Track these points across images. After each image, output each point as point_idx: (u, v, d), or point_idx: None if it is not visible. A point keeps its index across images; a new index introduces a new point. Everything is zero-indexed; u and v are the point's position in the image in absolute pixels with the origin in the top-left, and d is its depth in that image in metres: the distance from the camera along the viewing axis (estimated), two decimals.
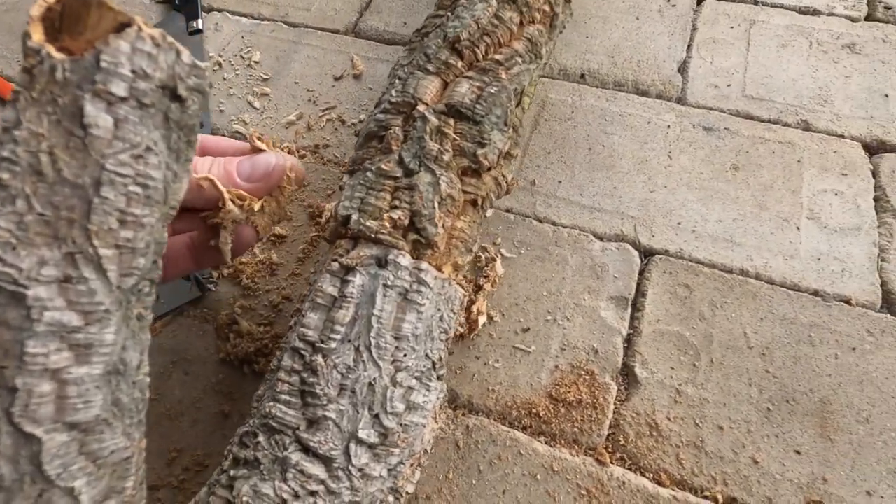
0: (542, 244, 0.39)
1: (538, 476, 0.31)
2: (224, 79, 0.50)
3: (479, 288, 0.37)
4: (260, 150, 0.27)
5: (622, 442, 0.32)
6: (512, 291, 0.37)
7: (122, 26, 0.15)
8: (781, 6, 0.51)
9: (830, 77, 0.46)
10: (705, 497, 0.30)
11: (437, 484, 0.31)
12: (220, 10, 0.55)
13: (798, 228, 0.39)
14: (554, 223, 0.40)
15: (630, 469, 0.31)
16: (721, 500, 0.30)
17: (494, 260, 0.38)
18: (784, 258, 0.38)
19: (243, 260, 0.40)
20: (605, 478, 0.31)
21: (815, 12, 0.51)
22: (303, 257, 0.40)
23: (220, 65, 0.51)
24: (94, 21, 0.15)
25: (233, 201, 0.25)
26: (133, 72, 0.14)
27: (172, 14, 0.54)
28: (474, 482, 0.31)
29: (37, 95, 0.14)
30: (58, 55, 0.14)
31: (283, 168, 0.26)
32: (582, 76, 0.48)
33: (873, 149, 0.43)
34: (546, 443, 0.32)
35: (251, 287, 0.38)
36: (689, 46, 0.49)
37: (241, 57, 0.52)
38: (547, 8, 0.33)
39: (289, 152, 0.45)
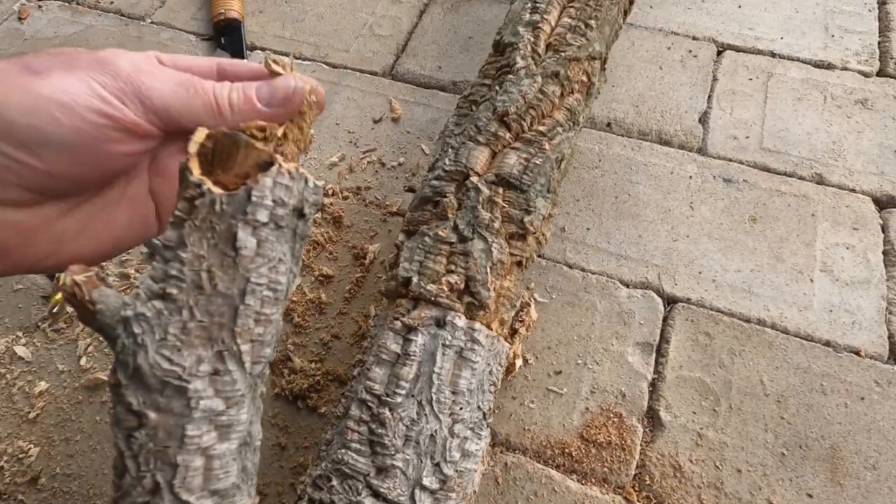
0: (573, 290, 0.42)
1: None
2: None
3: (514, 332, 0.40)
4: (278, 74, 0.23)
5: (648, 482, 0.35)
6: (545, 335, 0.40)
7: (266, 164, 0.18)
8: (798, 59, 0.54)
9: (843, 132, 0.49)
10: None
11: None
12: (262, 49, 0.58)
13: (811, 280, 0.42)
14: (583, 269, 0.43)
15: None
16: None
17: (529, 305, 0.41)
18: (798, 309, 0.41)
19: (294, 299, 0.42)
20: None
21: (830, 66, 0.53)
22: (349, 297, 0.43)
23: None
24: (241, 157, 0.18)
25: (254, 134, 0.22)
26: (274, 201, 0.17)
27: (217, 52, 0.57)
28: None
29: (199, 223, 0.17)
30: (217, 190, 0.17)
31: (304, 91, 0.23)
32: (608, 125, 0.51)
33: (883, 203, 0.45)
34: (578, 481, 0.35)
35: (301, 325, 0.41)
36: (709, 97, 0.52)
37: None
38: (585, 79, 0.36)
39: (332, 194, 0.48)
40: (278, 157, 0.18)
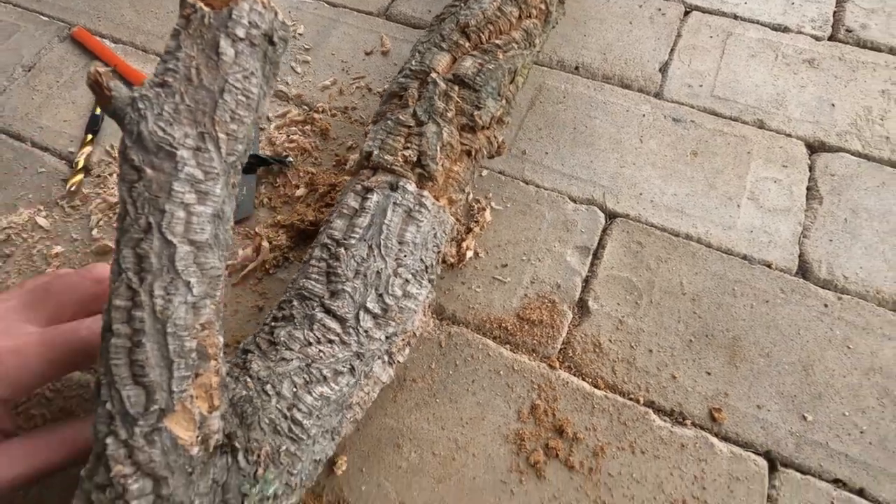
0: (526, 201, 0.48)
1: (501, 372, 0.40)
2: None
3: (469, 230, 0.45)
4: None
5: (570, 355, 0.40)
6: (496, 235, 0.46)
7: None
8: (758, 22, 0.59)
9: (788, 86, 0.54)
10: (630, 399, 0.39)
11: (422, 371, 0.40)
12: None
13: (738, 206, 0.47)
14: (537, 185, 0.49)
15: (574, 375, 0.40)
16: (642, 402, 0.38)
17: (484, 209, 0.46)
18: (723, 228, 0.46)
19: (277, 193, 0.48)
20: (553, 378, 0.39)
21: (786, 29, 0.58)
22: (330, 202, 0.48)
23: None
24: None
25: None
26: (249, 23, 0.23)
27: None
28: (451, 372, 0.40)
29: (192, 32, 0.22)
30: (206, 8, 0.22)
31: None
32: (576, 68, 0.56)
33: (814, 148, 0.50)
34: (510, 350, 0.41)
35: (279, 210, 0.47)
36: (671, 50, 0.57)
37: None
38: (542, 6, 0.41)
39: (322, 111, 0.54)
40: None
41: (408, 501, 0.35)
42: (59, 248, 0.46)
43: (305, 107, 0.54)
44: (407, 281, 0.34)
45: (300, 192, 0.48)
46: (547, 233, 0.46)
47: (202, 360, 0.24)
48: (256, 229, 0.45)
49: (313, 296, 0.32)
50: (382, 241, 0.33)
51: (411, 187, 0.34)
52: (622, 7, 0.61)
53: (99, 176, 0.50)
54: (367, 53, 0.58)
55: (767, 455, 0.36)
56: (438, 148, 0.35)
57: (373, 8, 0.62)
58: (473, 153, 0.38)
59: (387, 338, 0.33)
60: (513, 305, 0.43)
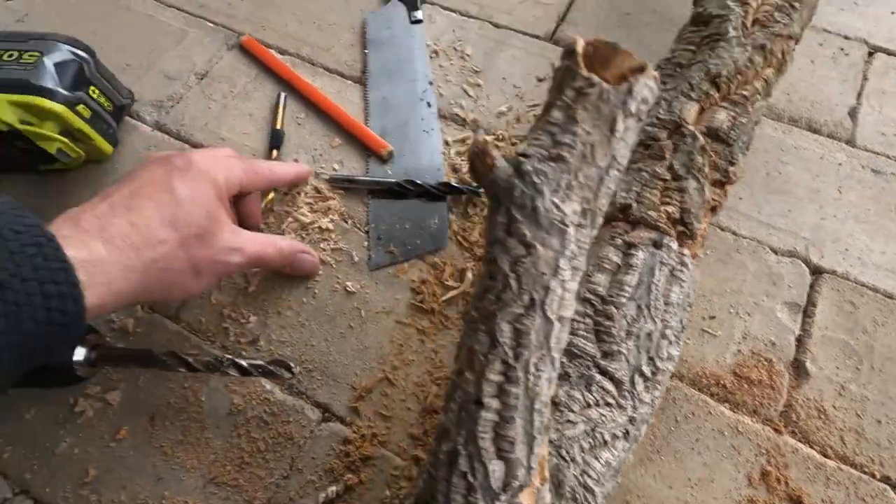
0: (725, 249, 0.46)
1: (725, 433, 0.39)
2: (441, 66, 0.58)
3: None
4: None
5: (794, 419, 0.39)
6: (700, 285, 0.45)
7: (639, 68, 0.22)
8: None
9: None
10: (864, 472, 0.37)
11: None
12: (432, 4, 0.63)
13: None
14: (734, 233, 0.47)
15: (801, 441, 0.38)
16: (878, 477, 0.37)
17: None
18: None
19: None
20: (780, 444, 0.38)
21: None
22: None
23: (436, 53, 0.59)
24: (619, 61, 0.22)
25: None
26: (642, 99, 0.22)
27: (394, 3, 0.62)
28: (672, 429, 0.39)
29: (589, 107, 0.21)
30: (606, 85, 0.21)
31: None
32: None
33: None
34: (730, 409, 0.40)
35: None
36: (859, 94, 0.55)
37: (454, 49, 0.59)
38: (780, 56, 0.40)
39: (502, 139, 0.53)
40: (648, 63, 0.22)
41: None
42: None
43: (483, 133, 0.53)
44: (670, 343, 0.33)
45: None
46: (752, 285, 0.45)
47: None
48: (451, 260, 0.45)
49: (585, 354, 0.31)
50: (652, 302, 0.32)
51: (675, 245, 0.34)
52: (801, 45, 0.58)
53: (287, 194, 0.50)
54: (539, 80, 0.57)
55: None
56: (701, 205, 0.34)
57: (539, 31, 0.61)
58: (716, 209, 0.37)
59: (652, 401, 0.32)
60: (727, 361, 0.41)
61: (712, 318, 0.43)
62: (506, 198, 0.22)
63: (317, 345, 0.43)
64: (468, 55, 0.59)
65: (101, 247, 0.29)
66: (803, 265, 0.46)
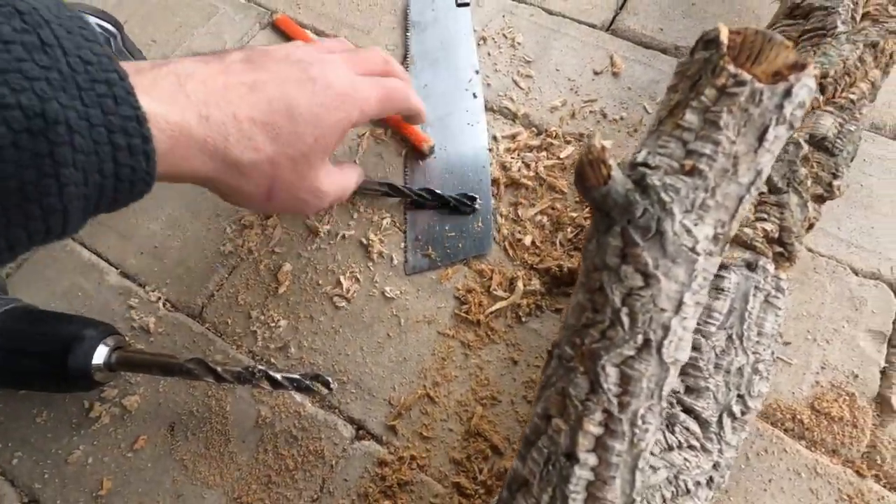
0: (801, 268, 0.42)
1: (802, 474, 0.35)
2: (489, 55, 0.54)
3: None
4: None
5: (878, 462, 0.35)
6: None
7: (798, 65, 0.18)
8: None
9: None
10: None
11: None
12: None
13: None
14: (811, 251, 0.43)
15: (886, 487, 0.35)
16: None
17: None
18: None
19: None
20: (864, 489, 0.34)
21: None
22: (578, 245, 0.44)
23: (484, 40, 0.55)
24: (772, 56, 0.18)
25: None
26: (799, 102, 0.18)
27: None
28: (742, 466, 0.35)
29: (735, 111, 0.17)
30: (759, 84, 0.17)
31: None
32: None
33: None
34: (807, 447, 0.36)
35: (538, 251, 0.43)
36: None
37: (504, 36, 0.55)
38: (890, 56, 0.36)
39: (555, 136, 0.49)
40: (810, 60, 0.18)
41: None
42: (287, 266, 0.42)
43: (534, 128, 0.49)
44: (762, 379, 0.29)
45: (542, 232, 0.43)
46: (831, 309, 0.41)
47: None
48: (505, 268, 0.41)
49: None
50: (745, 332, 0.28)
51: (771, 268, 0.30)
52: None
53: None
54: (595, 73, 0.52)
55: None
56: (801, 224, 0.30)
57: (595, 20, 0.56)
58: (812, 226, 0.33)
59: (737, 444, 0.28)
60: (803, 394, 0.38)
61: (787, 343, 0.39)
62: (622, 216, 0.18)
63: (351, 354, 0.40)
64: (519, 43, 0.54)
65: (196, 122, 0.26)
66: (888, 289, 0.41)
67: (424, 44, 0.54)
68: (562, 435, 0.19)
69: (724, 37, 0.18)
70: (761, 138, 0.18)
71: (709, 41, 0.19)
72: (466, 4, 0.56)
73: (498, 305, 0.40)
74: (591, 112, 0.50)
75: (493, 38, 0.55)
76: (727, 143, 0.17)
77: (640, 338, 0.18)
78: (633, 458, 0.19)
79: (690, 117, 0.18)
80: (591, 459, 0.19)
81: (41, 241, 0.22)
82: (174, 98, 0.26)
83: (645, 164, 0.18)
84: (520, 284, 0.40)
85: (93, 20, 0.42)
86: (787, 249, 0.30)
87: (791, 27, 0.37)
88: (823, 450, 0.36)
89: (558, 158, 0.47)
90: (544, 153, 0.47)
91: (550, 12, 0.57)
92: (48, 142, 0.19)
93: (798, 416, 0.37)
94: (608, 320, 0.18)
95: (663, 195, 0.18)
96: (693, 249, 0.18)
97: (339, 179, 0.36)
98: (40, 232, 0.22)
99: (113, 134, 0.21)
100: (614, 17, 0.56)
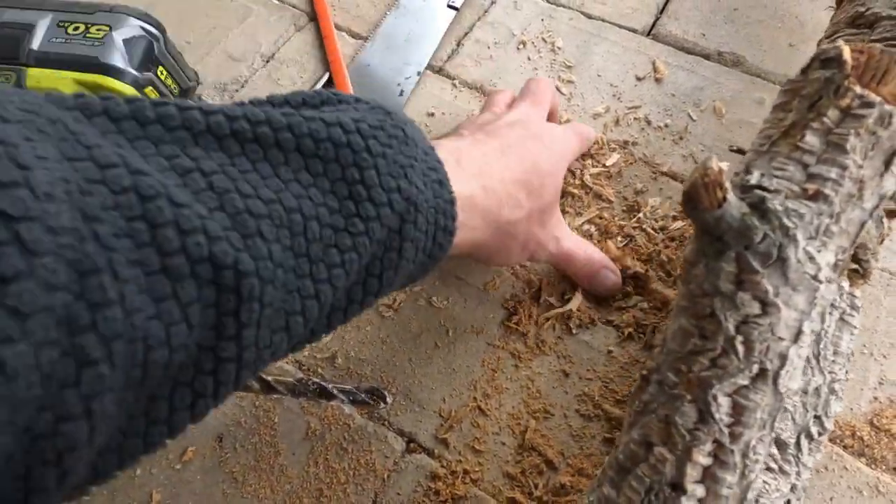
0: None
1: (864, 493, 0.34)
2: (529, 59, 0.53)
3: None
4: None
5: None
6: None
7: None
8: None
9: None
10: None
11: None
12: None
13: None
14: None
15: None
16: None
17: None
18: None
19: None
20: None
21: None
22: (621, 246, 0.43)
23: (523, 44, 0.54)
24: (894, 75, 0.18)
25: None
26: None
27: None
28: None
29: (863, 134, 0.17)
30: (888, 105, 0.17)
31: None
32: None
33: None
34: (868, 465, 0.35)
35: None
36: None
37: (544, 40, 0.54)
38: None
39: (599, 143, 0.48)
40: None
41: None
42: None
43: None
44: (837, 399, 0.28)
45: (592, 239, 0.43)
46: (887, 323, 0.40)
47: None
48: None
49: None
50: (821, 352, 0.28)
51: (846, 285, 0.29)
52: None
53: None
54: (638, 79, 0.52)
55: None
56: (878, 238, 0.29)
57: (636, 24, 0.55)
58: (882, 241, 0.32)
59: (810, 467, 0.28)
60: (862, 409, 0.37)
61: None
62: (737, 242, 0.18)
63: (400, 365, 0.39)
64: (559, 48, 0.54)
65: (481, 192, 0.28)
66: None
67: (395, 27, 0.54)
68: (667, 464, 0.19)
69: (848, 56, 0.18)
70: (889, 162, 0.17)
71: (827, 59, 0.18)
72: (456, 9, 0.55)
73: (548, 315, 0.39)
74: (635, 119, 0.49)
75: (533, 42, 0.54)
76: (854, 168, 0.17)
77: (755, 367, 0.17)
78: (743, 491, 0.19)
79: (811, 139, 0.18)
80: (699, 491, 0.18)
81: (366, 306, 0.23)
82: (456, 174, 0.27)
83: (761, 187, 0.18)
84: (578, 293, 0.39)
85: (136, 23, 0.41)
86: (863, 266, 0.29)
87: (856, 37, 0.36)
88: (885, 467, 0.35)
89: (604, 166, 0.46)
90: (590, 161, 0.47)
91: (590, 16, 0.56)
92: (404, 222, 0.21)
93: (858, 433, 0.36)
94: (720, 348, 0.18)
95: (786, 220, 0.17)
96: (815, 277, 0.17)
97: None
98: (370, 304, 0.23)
99: (438, 215, 0.23)
100: (655, 22, 0.56)
